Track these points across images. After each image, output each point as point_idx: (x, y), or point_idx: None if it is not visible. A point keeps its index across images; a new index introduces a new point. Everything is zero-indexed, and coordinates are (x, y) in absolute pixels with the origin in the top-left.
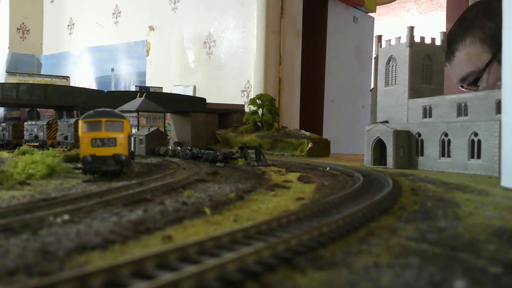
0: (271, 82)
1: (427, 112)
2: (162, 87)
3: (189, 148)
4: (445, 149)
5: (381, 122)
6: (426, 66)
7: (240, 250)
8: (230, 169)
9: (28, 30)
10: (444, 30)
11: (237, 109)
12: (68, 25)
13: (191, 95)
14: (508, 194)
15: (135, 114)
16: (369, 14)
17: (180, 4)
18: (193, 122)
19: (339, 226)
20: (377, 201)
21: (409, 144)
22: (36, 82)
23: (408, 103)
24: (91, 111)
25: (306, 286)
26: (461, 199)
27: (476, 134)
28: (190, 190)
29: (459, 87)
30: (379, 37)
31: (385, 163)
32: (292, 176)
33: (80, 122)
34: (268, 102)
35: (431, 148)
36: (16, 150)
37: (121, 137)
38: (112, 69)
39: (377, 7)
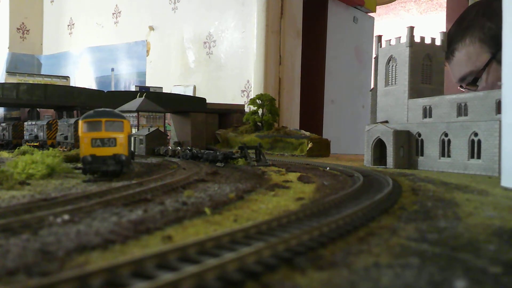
0: (271, 82)
1: (427, 112)
2: (162, 87)
3: (189, 148)
4: (445, 149)
5: (381, 122)
6: (426, 66)
7: (240, 250)
8: (230, 169)
9: (28, 30)
10: (444, 30)
11: (237, 109)
12: (68, 25)
13: (191, 95)
14: (508, 194)
15: (135, 114)
16: (369, 14)
17: (180, 4)
18: (193, 122)
19: (339, 226)
20: (377, 201)
21: (409, 144)
22: (36, 82)
23: (408, 103)
24: (91, 111)
25: (306, 286)
26: (461, 199)
27: (476, 134)
28: (190, 190)
29: (458, 87)
30: (379, 37)
31: (385, 163)
32: (292, 176)
33: (80, 122)
34: (268, 102)
35: (431, 148)
36: (16, 150)
37: (121, 137)
38: (112, 69)
39: (377, 7)
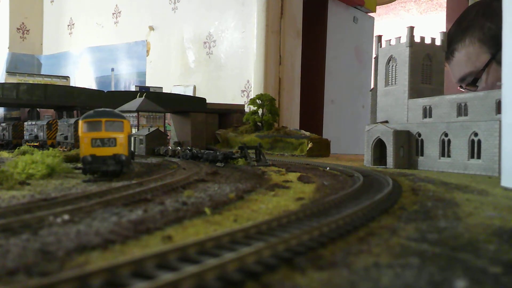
0: (271, 82)
1: (427, 112)
2: (162, 87)
3: (189, 148)
4: (445, 149)
5: (381, 122)
6: (426, 66)
7: (240, 250)
8: (230, 169)
9: (28, 30)
10: (444, 30)
11: (237, 109)
12: (68, 25)
13: (191, 95)
14: (508, 194)
15: (135, 114)
16: (369, 14)
17: (180, 4)
18: (193, 122)
19: (339, 226)
20: (377, 201)
21: (409, 144)
22: (36, 82)
23: (408, 103)
24: (91, 111)
25: (306, 286)
26: (461, 199)
27: (476, 134)
28: (190, 190)
29: (458, 87)
30: (379, 37)
31: (385, 163)
32: (292, 176)
33: (80, 122)
34: (268, 102)
35: (431, 148)
36: (16, 150)
37: (121, 137)
38: (112, 69)
39: (377, 7)
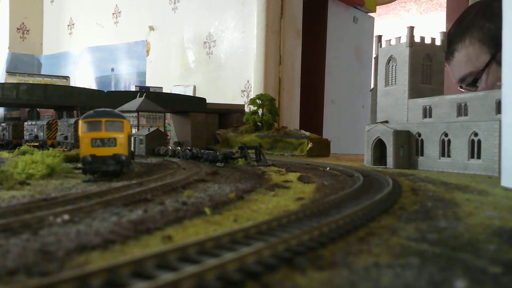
0: (271, 82)
1: (427, 112)
2: (162, 87)
3: (189, 148)
4: (445, 149)
5: (381, 122)
6: (426, 66)
7: (240, 250)
8: (230, 169)
9: (28, 30)
10: (444, 30)
11: (237, 109)
12: (68, 25)
13: (191, 95)
14: (508, 194)
15: (135, 114)
16: (369, 14)
17: (180, 4)
18: (193, 122)
19: (339, 226)
20: (377, 201)
21: (409, 144)
22: (36, 82)
23: (408, 103)
24: (91, 111)
25: (306, 286)
26: (461, 199)
27: (476, 134)
28: (190, 190)
29: (458, 88)
30: (379, 37)
31: (385, 163)
32: (292, 176)
33: (80, 122)
34: (268, 102)
35: (431, 148)
36: (16, 150)
37: (121, 137)
38: (112, 69)
39: (377, 7)
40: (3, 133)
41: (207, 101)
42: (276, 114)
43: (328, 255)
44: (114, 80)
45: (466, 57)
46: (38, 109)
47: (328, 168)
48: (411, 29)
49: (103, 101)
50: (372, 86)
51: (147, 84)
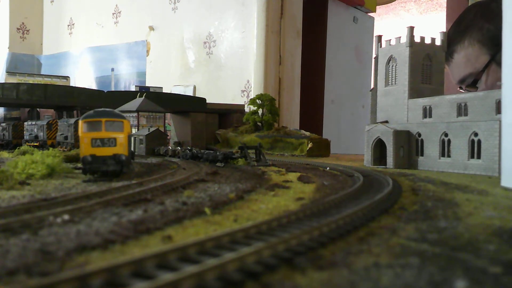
0: (271, 82)
1: (427, 112)
2: (162, 87)
3: (189, 148)
4: (445, 149)
5: (381, 122)
6: (426, 66)
7: (240, 250)
8: (230, 169)
9: (28, 30)
10: (444, 30)
11: (237, 109)
12: (68, 25)
13: (191, 95)
14: (508, 194)
15: (135, 114)
16: (369, 14)
17: (180, 4)
18: (193, 122)
19: (339, 226)
20: (377, 201)
21: (409, 144)
22: (36, 82)
23: (408, 103)
24: (91, 111)
25: (306, 286)
26: (461, 199)
27: (476, 134)
28: (190, 190)
29: (458, 89)
30: (379, 37)
31: (385, 163)
32: (292, 176)
33: (80, 122)
34: (268, 102)
35: (431, 148)
36: (16, 150)
37: (121, 137)
38: (112, 69)
39: (377, 7)
40: (3, 133)
41: (207, 101)
42: (276, 114)
43: (328, 255)
44: (114, 80)
45: (466, 58)
46: (38, 109)
47: (328, 168)
48: (411, 29)
49: (103, 101)
50: (372, 86)
51: (147, 84)
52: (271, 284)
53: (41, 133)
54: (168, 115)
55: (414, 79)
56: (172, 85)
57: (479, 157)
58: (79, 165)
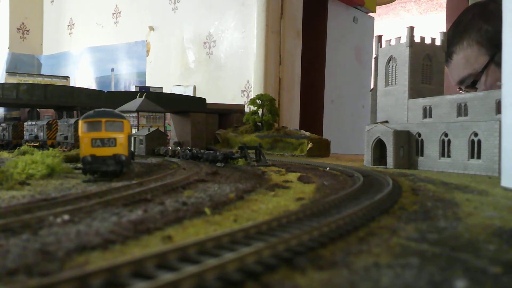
0: (271, 82)
1: (427, 112)
2: (162, 87)
3: (189, 148)
4: (445, 149)
5: (381, 122)
6: (426, 66)
7: (240, 250)
8: (230, 169)
9: (28, 30)
10: (444, 30)
11: (237, 109)
12: (68, 25)
13: (191, 95)
14: (508, 194)
15: (135, 114)
16: (369, 14)
17: (180, 4)
18: (193, 122)
19: (339, 226)
20: (377, 201)
21: (409, 144)
22: (36, 82)
23: (408, 103)
24: (91, 111)
25: (306, 286)
26: (461, 199)
27: (476, 134)
28: (190, 190)
29: (457, 90)
30: (379, 37)
31: (385, 163)
32: (292, 176)
33: (80, 122)
34: (268, 102)
35: (431, 148)
36: (16, 150)
37: (121, 137)
38: (112, 69)
39: (377, 7)
40: (3, 133)
41: (207, 101)
42: (276, 114)
43: (328, 255)
44: (114, 80)
45: (465, 59)
46: (38, 109)
47: (328, 168)
48: (411, 29)
49: (103, 101)
50: (372, 86)
51: (147, 84)
52: (271, 284)
53: (41, 133)
54: (168, 115)
55: (414, 79)
56: (172, 85)
57: (479, 157)
58: (79, 165)
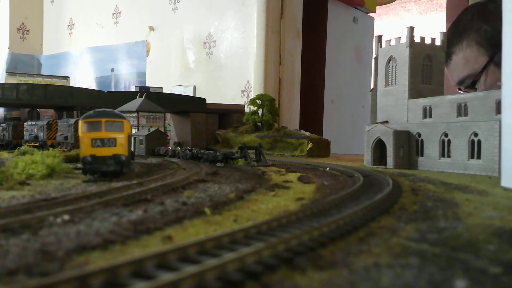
0: (271, 82)
1: (427, 112)
2: (162, 87)
3: (189, 148)
4: (445, 149)
5: (381, 122)
6: (426, 66)
7: (240, 250)
8: (230, 169)
9: (28, 30)
10: (444, 30)
11: (237, 109)
12: (68, 25)
13: (191, 95)
14: (508, 194)
15: (135, 115)
16: (369, 14)
17: (180, 4)
18: (193, 122)
19: (339, 226)
20: (377, 201)
21: (409, 144)
22: (36, 82)
23: (408, 103)
24: (91, 111)
25: (306, 286)
26: (461, 199)
27: (476, 134)
28: (190, 190)
29: (457, 90)
30: (379, 37)
31: (385, 163)
32: (292, 176)
33: (80, 122)
34: (268, 102)
35: (431, 148)
36: (16, 150)
37: (121, 137)
38: (112, 69)
39: (377, 7)
40: (3, 133)
41: (207, 101)
42: (276, 114)
43: (328, 255)
44: (114, 80)
45: (464, 60)
46: (38, 109)
47: (328, 168)
48: (411, 29)
49: (103, 101)
50: (372, 86)
51: (147, 84)
52: (271, 284)
53: (41, 133)
54: (168, 115)
55: (414, 79)
56: (172, 85)
57: (479, 157)
58: (79, 165)
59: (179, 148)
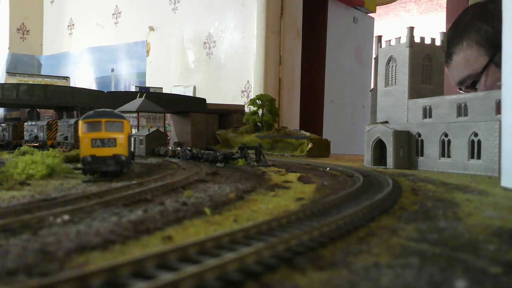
0: (271, 82)
1: (427, 112)
2: (162, 88)
3: (189, 148)
4: (445, 149)
5: (381, 122)
6: (426, 66)
7: (240, 250)
8: (230, 170)
9: (28, 31)
10: (444, 30)
11: (237, 110)
12: (68, 26)
13: (191, 95)
14: (508, 194)
15: (135, 115)
16: (369, 14)
17: (180, 4)
18: (193, 122)
19: (339, 226)
20: (377, 201)
21: (409, 145)
22: (36, 83)
23: (408, 103)
24: (91, 112)
25: (306, 286)
26: (461, 199)
27: (476, 134)
28: (190, 190)
29: (457, 90)
30: (379, 38)
31: (385, 164)
32: (292, 176)
33: (80, 122)
34: (268, 103)
35: (431, 148)
36: (16, 150)
37: (121, 137)
38: (112, 70)
39: (377, 7)
40: (3, 134)
41: (207, 101)
42: (276, 114)
43: (328, 255)
44: (114, 81)
45: (464, 60)
46: (38, 109)
47: (328, 169)
48: (411, 29)
49: (103, 102)
50: (372, 86)
51: (147, 85)
52: (271, 284)
53: (41, 134)
54: (168, 115)
55: (414, 79)
56: (172, 85)
57: (479, 157)
58: (79, 165)
59: (179, 148)
